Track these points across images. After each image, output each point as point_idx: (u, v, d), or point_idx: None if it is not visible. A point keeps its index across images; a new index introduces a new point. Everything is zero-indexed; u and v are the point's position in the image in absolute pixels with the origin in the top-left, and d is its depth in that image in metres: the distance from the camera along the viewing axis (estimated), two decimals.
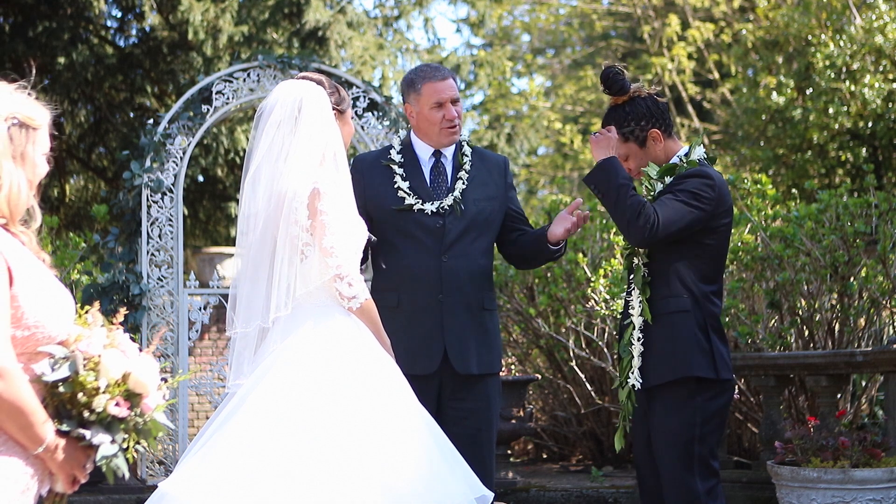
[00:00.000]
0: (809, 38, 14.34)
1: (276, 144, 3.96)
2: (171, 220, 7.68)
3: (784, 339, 7.52)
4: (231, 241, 14.95)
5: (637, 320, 4.27)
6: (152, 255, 7.64)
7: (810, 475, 5.71)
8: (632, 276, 4.34)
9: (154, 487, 7.67)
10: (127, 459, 2.78)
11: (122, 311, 3.00)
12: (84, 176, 16.04)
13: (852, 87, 13.47)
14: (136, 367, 2.80)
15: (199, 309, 7.90)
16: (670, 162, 4.36)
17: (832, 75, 13.57)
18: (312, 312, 3.89)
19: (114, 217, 7.95)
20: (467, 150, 4.89)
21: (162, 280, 7.65)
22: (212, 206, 15.29)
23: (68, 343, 2.76)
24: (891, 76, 13.51)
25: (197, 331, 7.87)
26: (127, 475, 2.78)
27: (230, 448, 3.60)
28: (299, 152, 3.93)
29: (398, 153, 4.84)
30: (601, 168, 4.29)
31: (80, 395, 2.72)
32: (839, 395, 7.09)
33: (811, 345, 7.64)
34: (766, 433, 6.94)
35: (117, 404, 2.75)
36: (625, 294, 4.45)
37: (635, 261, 4.34)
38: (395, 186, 4.76)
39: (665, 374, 4.22)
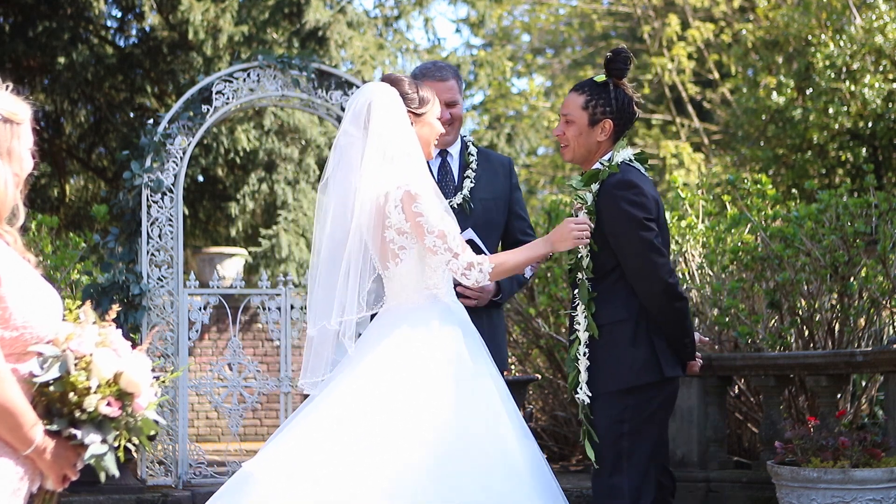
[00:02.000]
0: (809, 38, 14.33)
1: (347, 148, 4.01)
2: (171, 220, 7.67)
3: (784, 339, 7.51)
4: (231, 242, 14.92)
5: (583, 335, 4.24)
6: (152, 255, 7.63)
7: (810, 475, 5.70)
8: (576, 291, 4.30)
9: (154, 488, 7.67)
10: (118, 458, 2.76)
11: (115, 307, 2.98)
12: (84, 176, 16.02)
13: (852, 87, 13.46)
14: (128, 367, 2.76)
15: (199, 309, 7.89)
16: (593, 168, 4.31)
17: (832, 75, 13.56)
18: (407, 316, 3.96)
19: (114, 217, 7.93)
20: (473, 150, 4.91)
21: (162, 280, 7.64)
22: (212, 206, 15.27)
23: (59, 342, 2.73)
24: (891, 76, 13.51)
25: (197, 331, 7.86)
26: (117, 474, 2.76)
27: (318, 435, 3.70)
28: (372, 154, 3.96)
29: None
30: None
31: (70, 394, 2.69)
32: (839, 395, 7.07)
33: (811, 345, 7.63)
34: (766, 433, 6.93)
35: (109, 404, 2.72)
36: (570, 310, 4.42)
37: (579, 276, 4.29)
38: None
39: (609, 385, 4.21)
